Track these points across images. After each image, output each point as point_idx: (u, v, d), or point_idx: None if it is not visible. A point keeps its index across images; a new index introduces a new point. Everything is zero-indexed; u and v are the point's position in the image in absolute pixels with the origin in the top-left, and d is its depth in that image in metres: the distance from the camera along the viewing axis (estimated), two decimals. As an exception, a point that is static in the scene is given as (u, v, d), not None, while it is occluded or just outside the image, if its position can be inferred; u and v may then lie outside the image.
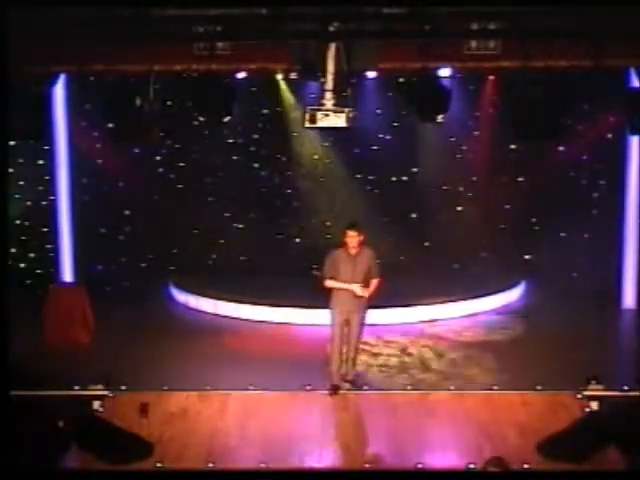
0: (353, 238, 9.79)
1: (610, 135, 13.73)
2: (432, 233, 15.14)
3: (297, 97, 14.14)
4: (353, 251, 9.87)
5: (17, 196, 13.47)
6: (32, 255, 13.86)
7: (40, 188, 13.92)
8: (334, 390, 9.89)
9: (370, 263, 9.92)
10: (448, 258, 15.07)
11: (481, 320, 13.25)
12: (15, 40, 7.72)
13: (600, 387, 9.57)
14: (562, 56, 10.14)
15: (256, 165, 15.28)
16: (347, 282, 9.81)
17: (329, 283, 9.89)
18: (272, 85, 14.26)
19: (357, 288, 9.80)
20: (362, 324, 10.06)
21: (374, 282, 9.98)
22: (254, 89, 14.16)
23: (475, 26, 10.06)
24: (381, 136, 15.06)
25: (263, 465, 8.24)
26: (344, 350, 9.98)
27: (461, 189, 15.20)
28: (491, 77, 13.82)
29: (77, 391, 9.80)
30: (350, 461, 8.58)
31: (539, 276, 14.47)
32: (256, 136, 15.09)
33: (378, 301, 11.38)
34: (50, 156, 13.64)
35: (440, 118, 10.09)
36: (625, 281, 13.61)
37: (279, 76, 12.82)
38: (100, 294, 12.78)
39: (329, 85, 10.27)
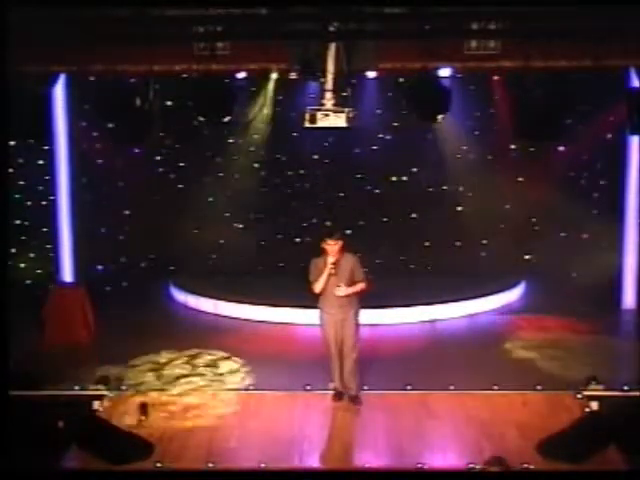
0: (332, 246, 9.50)
1: (610, 135, 13.73)
2: (432, 233, 15.14)
3: (294, 97, 14.11)
4: (336, 258, 9.57)
5: (17, 196, 13.45)
6: (32, 255, 13.85)
7: (40, 188, 13.90)
8: (339, 397, 9.77)
9: (353, 268, 9.60)
10: (448, 258, 15.07)
11: (481, 320, 13.25)
12: (15, 40, 7.72)
13: (600, 387, 9.57)
14: (562, 56, 10.15)
15: (256, 165, 15.28)
16: (332, 287, 9.50)
17: (317, 286, 9.57)
18: (271, 85, 14.28)
19: (339, 290, 9.50)
20: (357, 331, 9.70)
21: (359, 285, 9.64)
22: (254, 89, 14.16)
23: (475, 26, 10.08)
24: (381, 136, 15.07)
25: (263, 465, 8.24)
26: (341, 360, 9.70)
27: (461, 189, 15.20)
28: (491, 77, 13.81)
29: (77, 391, 9.80)
30: (350, 461, 8.58)
31: (539, 276, 14.47)
32: (256, 136, 15.10)
33: (378, 301, 11.40)
34: (50, 156, 13.62)
35: (440, 118, 10.10)
36: (625, 281, 13.61)
37: (273, 75, 12.81)
38: (100, 294, 12.77)
39: (329, 85, 10.28)
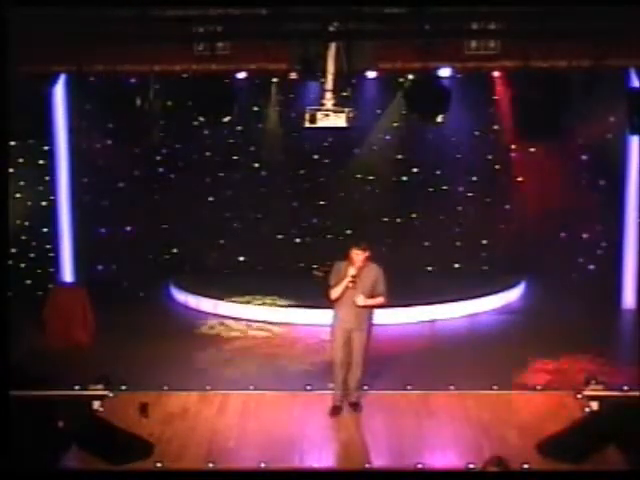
0: (358, 256, 9.24)
1: (610, 135, 13.72)
2: (432, 233, 15.15)
3: (294, 97, 14.13)
4: (358, 265, 9.33)
5: (17, 196, 13.45)
6: (32, 255, 13.84)
7: (40, 188, 13.90)
8: (336, 412, 9.51)
9: (376, 279, 9.32)
10: (448, 258, 15.09)
11: (481, 320, 13.25)
12: (15, 40, 7.73)
13: (600, 387, 9.57)
14: (562, 56, 10.15)
15: (256, 165, 15.29)
16: (351, 296, 9.23)
17: (333, 292, 9.31)
18: (271, 85, 14.30)
19: (358, 299, 9.23)
20: (367, 344, 9.43)
21: (379, 299, 9.39)
22: (254, 89, 14.17)
23: (475, 26, 10.08)
24: (381, 136, 15.08)
25: (263, 465, 8.24)
26: (347, 371, 9.48)
27: (461, 189, 15.21)
28: (491, 77, 13.81)
29: (77, 391, 9.79)
30: (350, 461, 8.58)
31: (539, 276, 14.48)
32: (256, 136, 15.10)
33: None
34: (50, 156, 13.63)
35: (440, 118, 10.10)
36: (625, 281, 13.61)
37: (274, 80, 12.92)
38: (100, 294, 12.77)
39: (329, 85, 10.28)
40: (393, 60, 10.56)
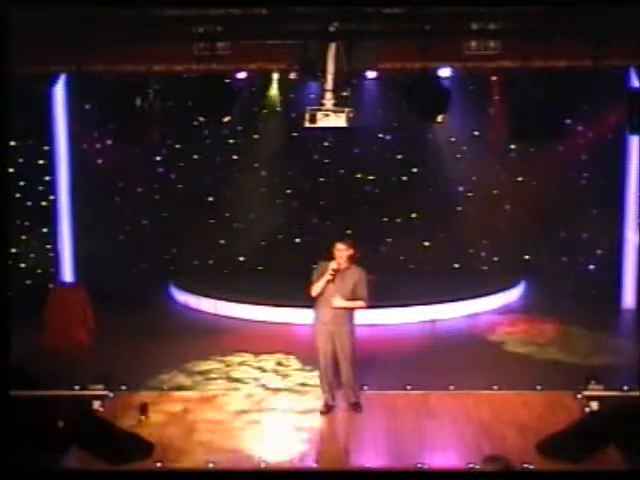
0: (341, 252, 9.17)
1: (610, 135, 13.73)
2: (432, 233, 15.16)
3: (294, 97, 14.13)
4: (341, 266, 9.19)
5: (17, 196, 13.45)
6: (32, 255, 13.84)
7: (40, 188, 13.90)
8: (325, 410, 9.51)
9: (357, 282, 9.19)
10: (448, 258, 15.09)
11: (481, 320, 13.25)
12: (15, 40, 7.72)
13: (600, 387, 9.56)
14: (562, 56, 10.15)
15: (256, 165, 15.29)
16: (331, 296, 9.17)
17: (313, 288, 9.20)
18: (271, 85, 14.29)
19: (335, 300, 9.13)
20: (352, 344, 9.34)
21: (358, 302, 9.24)
22: (254, 89, 14.17)
23: (475, 26, 10.08)
24: (381, 136, 15.09)
25: (263, 465, 8.24)
26: (338, 372, 9.43)
27: (461, 189, 15.21)
28: (492, 77, 13.82)
29: (77, 391, 9.79)
30: (350, 461, 8.58)
31: (539, 276, 14.48)
32: (256, 136, 15.10)
33: (377, 301, 11.38)
34: (50, 156, 13.64)
35: (440, 118, 10.10)
36: (625, 281, 13.61)
37: (275, 76, 12.92)
38: (100, 294, 12.77)
39: (329, 85, 10.29)
40: (393, 60, 10.56)
